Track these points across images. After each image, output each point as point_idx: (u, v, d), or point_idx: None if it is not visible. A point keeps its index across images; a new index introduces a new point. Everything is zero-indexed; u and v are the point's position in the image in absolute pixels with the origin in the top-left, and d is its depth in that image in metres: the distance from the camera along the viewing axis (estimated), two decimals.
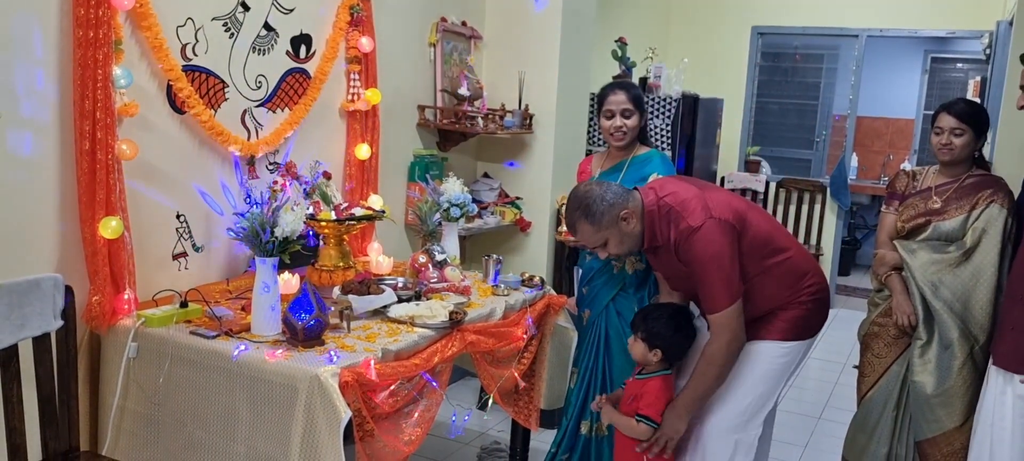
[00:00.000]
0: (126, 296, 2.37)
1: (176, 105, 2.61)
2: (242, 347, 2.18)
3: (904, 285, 2.89)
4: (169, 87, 2.57)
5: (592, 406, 2.75)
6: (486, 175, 4.32)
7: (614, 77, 4.93)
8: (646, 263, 2.85)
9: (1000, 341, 2.39)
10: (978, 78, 6.16)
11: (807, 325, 2.55)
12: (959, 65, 8.43)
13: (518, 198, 4.23)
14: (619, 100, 2.88)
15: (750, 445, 2.54)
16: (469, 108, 3.81)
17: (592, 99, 4.58)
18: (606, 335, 2.92)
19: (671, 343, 2.53)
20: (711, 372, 2.42)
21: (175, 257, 2.69)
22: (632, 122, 2.88)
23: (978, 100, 5.46)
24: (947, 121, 2.86)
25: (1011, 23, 4.07)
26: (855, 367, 3.15)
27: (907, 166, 7.69)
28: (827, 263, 6.65)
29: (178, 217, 2.68)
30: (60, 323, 2.16)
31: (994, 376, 2.42)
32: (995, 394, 2.40)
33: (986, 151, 4.07)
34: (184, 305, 2.44)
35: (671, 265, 2.49)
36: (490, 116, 3.90)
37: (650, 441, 2.48)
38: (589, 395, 2.94)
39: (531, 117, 4.12)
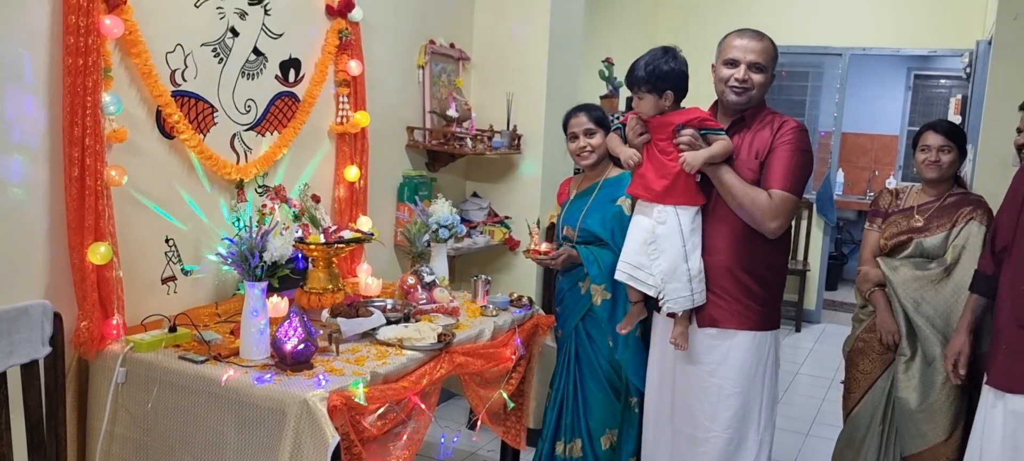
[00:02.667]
0: (115, 321, 2.38)
1: (165, 130, 2.62)
2: (230, 372, 2.19)
3: (887, 302, 2.92)
4: (158, 112, 2.59)
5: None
6: (475, 194, 4.35)
7: (601, 97, 4.98)
8: (612, 293, 2.82)
9: (993, 360, 2.42)
10: (960, 95, 6.24)
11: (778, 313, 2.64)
12: (943, 81, 8.53)
13: (507, 217, 4.26)
14: (580, 121, 2.96)
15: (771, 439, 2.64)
16: (457, 129, 3.84)
17: None
18: (576, 355, 2.94)
19: (676, 74, 2.44)
20: (746, 196, 2.41)
21: (164, 281, 2.70)
22: (596, 141, 2.94)
23: (960, 117, 5.53)
24: (934, 139, 2.92)
25: (990, 42, 4.13)
26: (842, 383, 3.18)
27: (892, 182, 7.76)
28: (814, 278, 6.70)
29: (167, 241, 2.69)
30: (48, 350, 2.16)
31: (986, 392, 2.45)
32: (986, 409, 2.43)
33: (967, 168, 4.14)
34: (173, 329, 2.44)
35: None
36: (478, 137, 3.93)
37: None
38: (561, 416, 2.96)
39: (519, 137, 4.15)
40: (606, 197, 2.91)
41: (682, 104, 2.51)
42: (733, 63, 2.49)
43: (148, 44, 2.48)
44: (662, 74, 2.41)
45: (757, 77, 2.49)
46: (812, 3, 6.49)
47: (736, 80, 2.48)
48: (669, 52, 2.46)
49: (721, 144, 2.41)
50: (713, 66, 2.59)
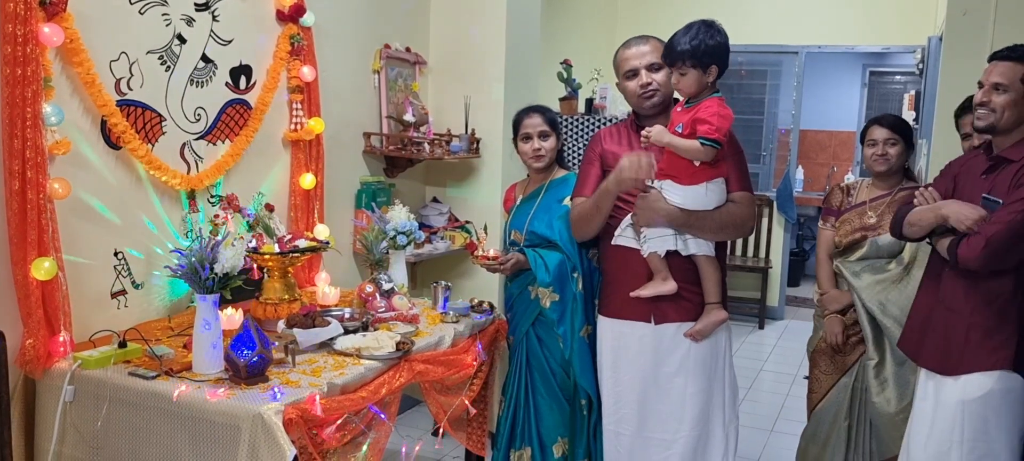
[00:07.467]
0: (61, 338, 2.31)
1: (111, 141, 2.56)
2: (183, 387, 2.14)
3: (841, 326, 2.96)
4: (104, 122, 2.52)
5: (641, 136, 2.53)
6: (435, 199, 4.32)
7: (560, 99, 4.98)
8: (560, 295, 2.79)
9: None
10: (914, 91, 6.34)
11: None
12: (897, 77, 8.68)
13: (468, 222, 4.23)
14: (535, 122, 2.92)
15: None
16: (415, 134, 3.81)
17: None
18: (527, 361, 2.91)
19: (721, 48, 2.35)
20: (729, 217, 2.48)
21: (114, 295, 2.63)
22: (549, 144, 2.93)
23: (914, 112, 5.62)
24: (880, 133, 2.97)
25: (941, 39, 4.20)
26: (805, 378, 3.19)
27: (849, 179, 7.86)
28: (776, 275, 6.76)
29: (116, 254, 2.62)
30: None
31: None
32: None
33: (922, 162, 4.20)
34: (123, 345, 2.38)
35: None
36: (436, 141, 3.90)
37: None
38: (515, 424, 2.92)
39: (478, 141, 4.12)
40: (553, 198, 2.89)
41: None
42: (633, 73, 2.56)
43: (91, 53, 2.42)
44: (708, 49, 2.34)
45: (658, 76, 2.55)
46: (768, 3, 6.56)
47: (641, 86, 2.55)
48: (711, 25, 2.36)
49: (690, 142, 2.37)
50: (618, 86, 2.65)
